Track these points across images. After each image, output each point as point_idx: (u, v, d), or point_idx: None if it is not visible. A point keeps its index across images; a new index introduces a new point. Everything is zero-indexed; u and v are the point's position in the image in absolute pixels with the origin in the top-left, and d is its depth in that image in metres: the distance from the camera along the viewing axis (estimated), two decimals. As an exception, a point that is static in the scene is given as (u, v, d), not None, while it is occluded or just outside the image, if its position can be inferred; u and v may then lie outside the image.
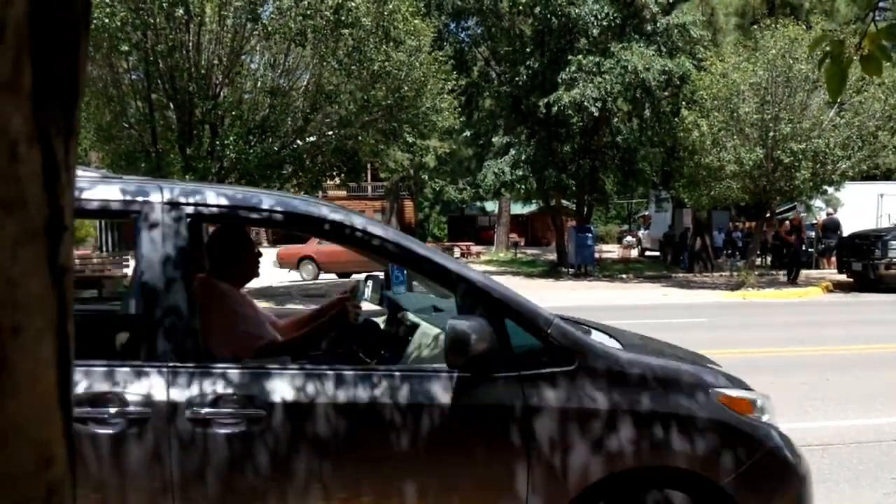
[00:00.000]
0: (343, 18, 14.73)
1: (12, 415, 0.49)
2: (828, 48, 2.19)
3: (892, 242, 17.37)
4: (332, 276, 23.90)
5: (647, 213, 40.27)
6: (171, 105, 15.48)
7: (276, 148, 15.83)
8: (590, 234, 24.37)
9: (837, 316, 14.30)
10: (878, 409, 6.89)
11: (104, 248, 27.35)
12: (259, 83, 16.04)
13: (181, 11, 13.93)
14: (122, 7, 13.66)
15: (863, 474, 5.18)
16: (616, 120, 23.59)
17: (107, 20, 13.17)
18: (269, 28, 14.83)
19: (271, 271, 23.41)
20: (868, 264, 18.12)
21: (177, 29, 14.47)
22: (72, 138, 0.50)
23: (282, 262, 24.31)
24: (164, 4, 13.67)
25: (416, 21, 16.21)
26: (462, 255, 36.04)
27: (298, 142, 16.64)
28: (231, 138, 14.88)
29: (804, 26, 18.24)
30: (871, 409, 6.91)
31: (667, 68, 20.32)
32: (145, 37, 14.17)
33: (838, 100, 18.11)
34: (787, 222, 23.78)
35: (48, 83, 0.47)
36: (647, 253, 36.27)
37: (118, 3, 13.67)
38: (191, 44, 14.74)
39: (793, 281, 20.53)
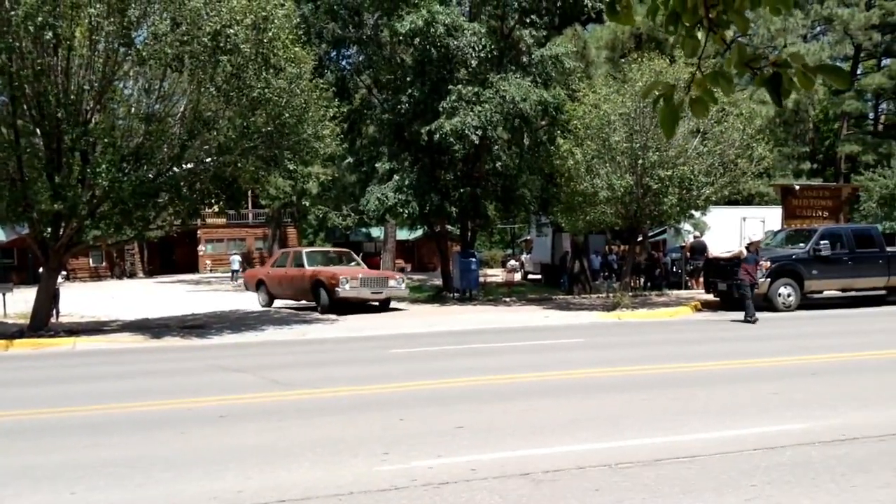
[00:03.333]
0: (222, 45, 14.54)
1: None
2: (659, 91, 2.41)
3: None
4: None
5: (529, 237, 41.36)
6: (38, 131, 14.82)
7: (151, 175, 15.39)
8: (473, 259, 24.77)
9: (705, 334, 15.11)
10: (743, 421, 7.34)
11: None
12: (133, 109, 15.59)
13: (49, 35, 13.41)
14: (-17, 29, 13.03)
15: (726, 483, 5.51)
16: (496, 148, 24.19)
17: (-34, 42, 12.51)
18: (144, 53, 14.47)
19: (164, 302, 22.57)
20: (732, 284, 19.26)
21: (44, 53, 13.90)
22: None
23: (247, 286, 24.79)
24: (30, 27, 13.10)
25: (296, 49, 16.16)
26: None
27: (175, 169, 16.22)
28: (103, 166, 14.36)
29: (668, 60, 19.36)
30: (737, 421, 7.35)
31: (543, 98, 21.06)
32: (10, 60, 13.54)
33: (701, 129, 19.34)
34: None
35: None
36: (531, 276, 37.20)
37: (-21, 24, 13.03)
38: (59, 68, 14.18)
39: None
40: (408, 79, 22.94)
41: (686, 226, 27.79)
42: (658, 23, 2.43)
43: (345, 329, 16.95)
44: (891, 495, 5.12)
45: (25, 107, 14.47)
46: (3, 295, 18.95)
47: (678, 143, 19.12)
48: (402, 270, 40.05)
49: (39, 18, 13.07)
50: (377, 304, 20.98)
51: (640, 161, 18.97)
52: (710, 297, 21.06)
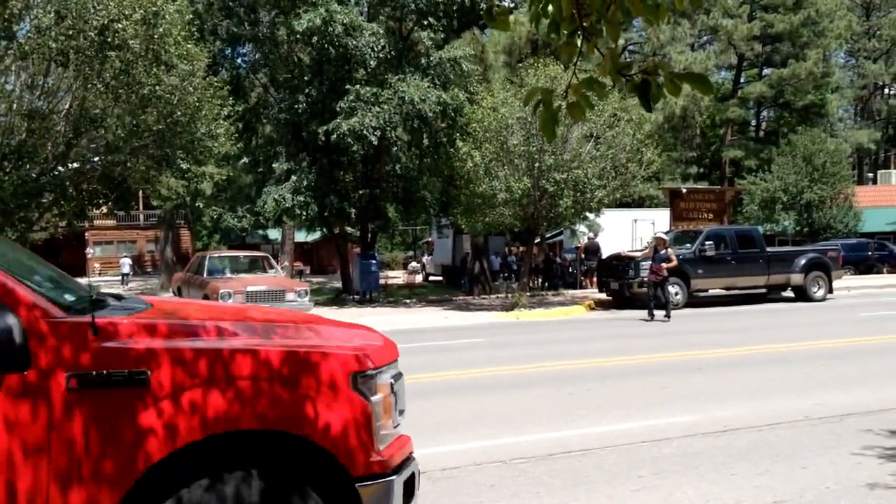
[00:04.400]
0: (109, 40, 14.02)
1: None
2: (540, 97, 2.51)
3: (643, 264, 19.24)
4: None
5: (430, 239, 41.60)
6: None
7: (34, 175, 14.70)
8: (374, 261, 24.72)
9: (598, 331, 15.59)
10: (635, 415, 7.63)
11: None
12: (15, 105, 14.80)
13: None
14: None
15: (616, 474, 5.72)
16: (396, 149, 24.24)
17: None
18: (27, 47, 13.80)
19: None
20: (623, 284, 19.94)
21: (-87, 43, 13.07)
22: None
23: (172, 290, 22.79)
24: None
25: (188, 45, 15.76)
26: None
27: (60, 168, 15.55)
28: (-19, 164, 13.61)
29: (562, 66, 19.86)
30: (628, 415, 7.62)
31: (442, 100, 21.24)
32: None
33: (594, 134, 19.93)
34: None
35: None
36: (432, 277, 37.42)
37: None
38: (-69, 60, 13.36)
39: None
40: (305, 78, 22.71)
41: (581, 227, 28.61)
42: (541, 30, 2.52)
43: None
44: (769, 482, 5.43)
45: None
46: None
47: (573, 147, 19.65)
48: (300, 273, 39.58)
49: None
50: None
51: (537, 164, 19.39)
52: (604, 296, 21.73)
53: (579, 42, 2.40)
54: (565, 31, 2.37)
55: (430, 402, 8.50)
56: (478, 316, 19.30)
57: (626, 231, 28.41)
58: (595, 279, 24.24)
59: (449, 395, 8.86)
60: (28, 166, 14.54)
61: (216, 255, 20.56)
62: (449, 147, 22.33)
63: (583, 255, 27.51)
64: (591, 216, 24.31)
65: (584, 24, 2.28)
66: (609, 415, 7.65)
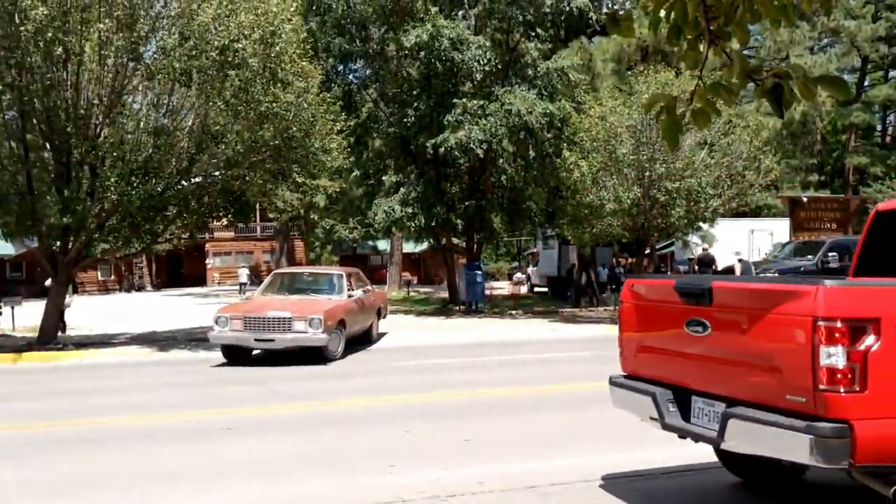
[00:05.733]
0: (230, 59, 14.63)
1: None
2: (661, 103, 2.43)
3: (761, 276, 18.43)
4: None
5: (535, 250, 41.34)
6: (48, 146, 14.92)
7: (159, 189, 15.45)
8: (479, 272, 24.76)
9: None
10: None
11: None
12: (142, 123, 15.65)
13: (59, 50, 13.53)
14: (-7, 45, 13.16)
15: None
16: (502, 160, 24.24)
17: (-24, 58, 12.63)
18: (153, 68, 14.58)
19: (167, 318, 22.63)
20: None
21: (54, 68, 14.02)
22: None
23: None
24: (40, 43, 13.23)
25: (303, 63, 16.25)
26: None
27: (183, 182, 16.30)
28: (112, 179, 14.45)
29: (674, 72, 19.39)
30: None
31: (548, 111, 21.11)
32: (20, 76, 13.66)
33: (708, 141, 19.36)
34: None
35: None
36: (537, 289, 37.16)
37: (-10, 40, 13.16)
38: (69, 83, 14.29)
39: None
40: (413, 92, 23.04)
41: (694, 238, 27.76)
42: (661, 35, 2.45)
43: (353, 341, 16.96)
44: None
45: (35, 121, 14.58)
46: (12, 308, 19.03)
47: (685, 155, 19.13)
48: (408, 283, 40.05)
49: (49, 34, 13.18)
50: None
51: (647, 173, 18.98)
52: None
53: (702, 47, 2.31)
54: (689, 36, 2.29)
55: (538, 415, 8.43)
56: (585, 328, 19.00)
57: (742, 241, 27.37)
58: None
59: (557, 409, 8.75)
60: (154, 181, 15.31)
61: (284, 271, 17.91)
62: (555, 157, 22.15)
63: (696, 267, 26.66)
64: (704, 226, 23.57)
65: (711, 27, 2.20)
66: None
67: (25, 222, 14.91)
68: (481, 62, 21.42)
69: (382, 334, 16.96)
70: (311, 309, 13.05)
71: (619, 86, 22.75)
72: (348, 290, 14.60)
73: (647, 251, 22.22)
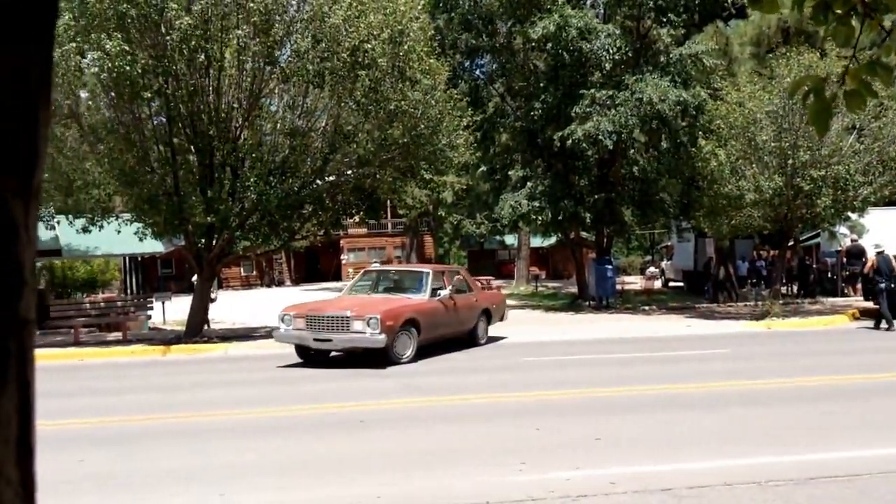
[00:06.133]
0: (360, 60, 14.99)
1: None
2: (808, 86, 2.22)
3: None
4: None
5: (669, 243, 40.10)
6: (193, 149, 15.74)
7: (296, 188, 16.04)
8: (609, 266, 24.26)
9: (863, 343, 14.10)
10: (906, 439, 6.77)
11: (128, 291, 27.63)
12: (278, 125, 16.29)
13: (202, 57, 14.25)
14: (143, 55, 13.99)
15: (891, 506, 5.08)
16: (633, 151, 23.63)
17: (128, 67, 13.49)
18: (287, 71, 15.13)
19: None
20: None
21: (197, 74, 14.78)
22: (32, 201, 0.55)
23: None
24: (184, 51, 13.99)
25: (431, 60, 16.43)
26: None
27: (318, 181, 16.84)
28: (252, 180, 15.10)
29: (819, 54, 18.23)
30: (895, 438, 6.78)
31: (682, 98, 20.37)
32: (166, 83, 14.48)
33: (857, 126, 18.12)
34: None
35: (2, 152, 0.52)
36: (672, 284, 36.02)
37: (139, 50, 14.00)
38: (211, 88, 15.04)
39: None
40: (541, 85, 22.83)
41: (842, 229, 26.07)
42: (806, 13, 2.25)
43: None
44: None
45: (180, 126, 15.42)
46: (163, 303, 20.25)
47: (832, 140, 17.96)
48: (536, 278, 39.78)
49: (192, 42, 13.93)
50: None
51: (790, 161, 17.97)
52: (870, 304, 19.61)
53: (855, 22, 2.10)
54: (838, 11, 2.08)
55: (672, 414, 8.13)
56: (723, 325, 18.22)
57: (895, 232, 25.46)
58: (859, 286, 21.95)
59: (692, 408, 8.41)
60: (290, 180, 15.91)
61: (373, 269, 17.38)
62: (690, 146, 21.35)
63: (844, 260, 25.05)
64: (853, 216, 22.08)
65: (866, -1, 1.98)
66: (876, 437, 6.85)
67: (173, 222, 15.80)
68: (610, 51, 20.95)
69: (497, 337, 15.89)
70: (373, 308, 12.47)
71: (758, 70, 21.64)
72: (434, 289, 13.76)
73: (791, 243, 21.01)
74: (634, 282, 36.95)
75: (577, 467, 6.08)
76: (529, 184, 23.11)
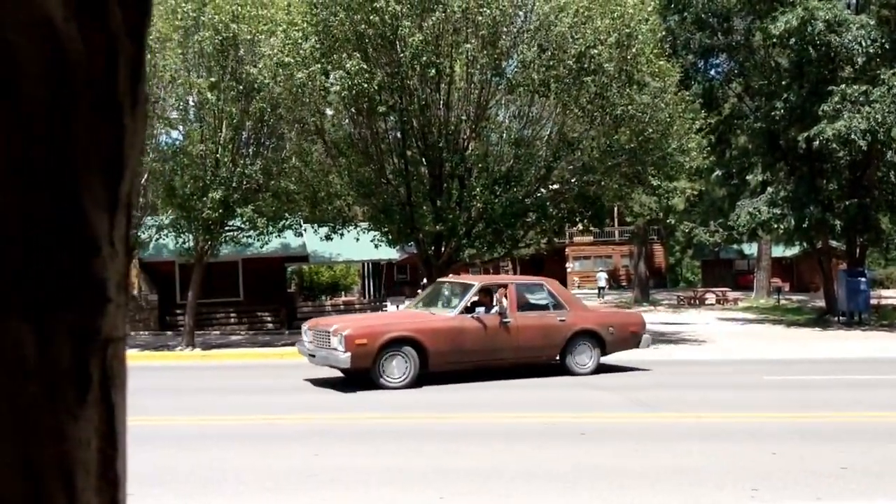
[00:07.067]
0: (586, 66, 14.87)
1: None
2: None
3: None
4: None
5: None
6: (424, 160, 16.42)
7: (520, 196, 16.20)
8: (863, 279, 22.11)
9: None
10: None
11: (367, 294, 29.38)
12: (504, 135, 16.56)
13: (433, 72, 14.83)
14: (379, 72, 14.83)
15: None
16: (891, 152, 21.38)
17: (366, 84, 14.35)
18: (514, 81, 15.34)
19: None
20: None
21: (428, 88, 15.41)
22: (117, 213, 0.53)
23: None
24: (416, 66, 14.63)
25: (660, 62, 15.94)
26: (717, 301, 34.13)
27: (542, 190, 16.92)
28: (478, 189, 15.47)
29: None
30: None
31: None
32: (400, 98, 15.23)
33: None
34: None
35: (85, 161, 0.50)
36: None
37: (376, 68, 14.85)
38: (441, 101, 15.60)
39: None
40: (783, 83, 21.44)
41: None
42: None
43: (719, 352, 16.17)
44: None
45: (413, 139, 16.15)
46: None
47: None
48: (778, 290, 37.10)
49: (424, 57, 14.54)
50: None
51: None
52: None
53: None
54: None
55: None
56: None
57: None
58: None
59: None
60: (515, 189, 16.11)
61: (443, 280, 14.55)
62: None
63: None
64: None
65: None
66: None
67: (406, 230, 16.56)
68: (864, 44, 19.22)
69: (609, 366, 12.65)
70: (354, 325, 11.45)
71: None
72: (470, 305, 11.87)
73: None
74: (894, 296, 33.30)
75: (818, 497, 5.54)
76: (770, 189, 21.89)
